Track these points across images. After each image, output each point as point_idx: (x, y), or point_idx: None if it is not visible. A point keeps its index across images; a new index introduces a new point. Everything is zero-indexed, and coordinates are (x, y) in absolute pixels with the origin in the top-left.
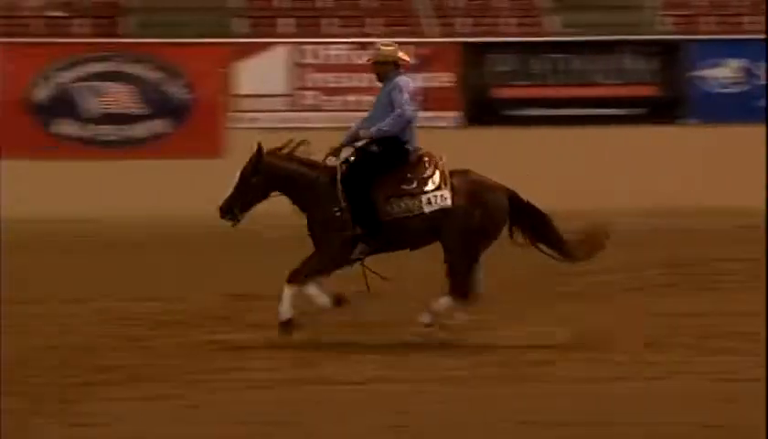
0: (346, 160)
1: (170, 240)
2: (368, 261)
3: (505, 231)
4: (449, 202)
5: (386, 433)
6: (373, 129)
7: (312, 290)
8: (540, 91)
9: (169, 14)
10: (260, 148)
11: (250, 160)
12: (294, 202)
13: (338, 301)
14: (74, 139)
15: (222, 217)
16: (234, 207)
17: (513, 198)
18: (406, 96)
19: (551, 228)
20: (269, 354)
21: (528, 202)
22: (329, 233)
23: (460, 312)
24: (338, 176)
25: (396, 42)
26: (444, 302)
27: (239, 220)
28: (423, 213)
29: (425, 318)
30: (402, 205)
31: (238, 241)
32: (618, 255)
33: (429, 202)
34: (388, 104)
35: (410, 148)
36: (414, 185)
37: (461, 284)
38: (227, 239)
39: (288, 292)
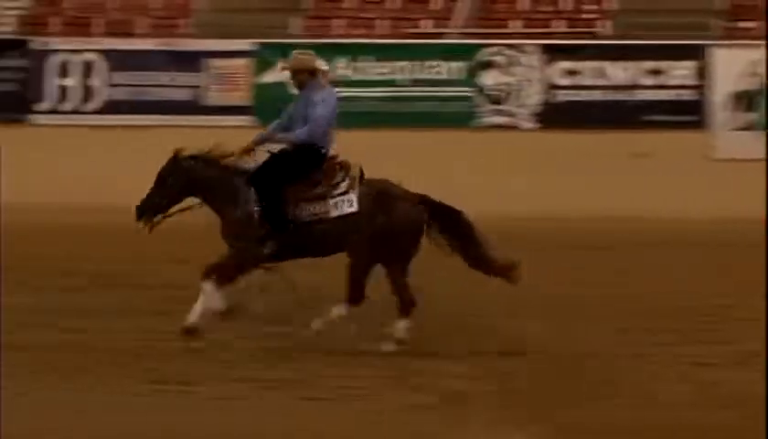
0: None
1: None
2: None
3: None
4: (354, 208)
5: None
6: (290, 137)
7: (209, 287)
8: None
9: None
10: (174, 153)
11: (167, 163)
12: (209, 205)
13: (228, 312)
14: None
15: (137, 219)
16: (149, 209)
17: (426, 202)
18: (321, 109)
19: (468, 229)
20: None
21: (441, 203)
22: (241, 232)
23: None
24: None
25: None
26: (338, 310)
27: (154, 223)
28: (330, 218)
29: (315, 324)
30: (311, 209)
31: None
32: None
33: (336, 207)
34: (304, 113)
35: (325, 153)
36: (323, 189)
37: (354, 290)
38: None
39: (206, 289)
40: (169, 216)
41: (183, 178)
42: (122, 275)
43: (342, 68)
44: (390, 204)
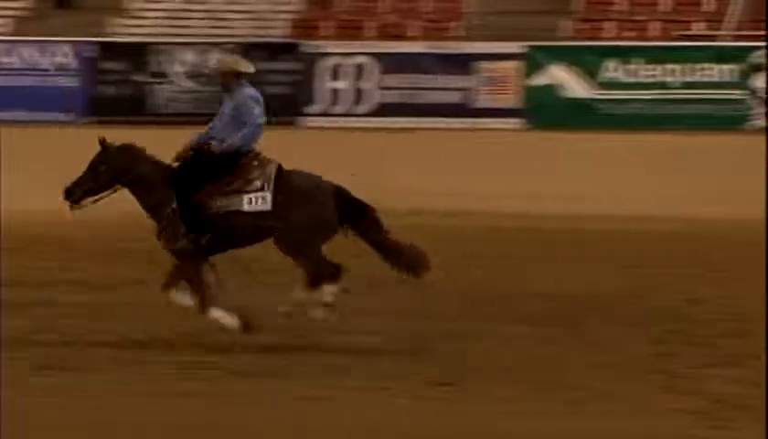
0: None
1: None
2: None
3: None
4: (268, 206)
5: None
6: (226, 143)
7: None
8: None
9: None
10: (102, 142)
11: (98, 153)
12: (136, 198)
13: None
14: None
15: (66, 198)
16: (77, 190)
17: (338, 193)
18: (257, 110)
19: (376, 223)
20: None
21: (352, 197)
22: (168, 231)
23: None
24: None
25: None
26: (328, 289)
27: (80, 205)
28: (243, 211)
29: (316, 314)
30: (224, 201)
31: None
32: None
33: (249, 202)
34: (233, 116)
35: (244, 151)
36: (236, 185)
37: (324, 269)
38: None
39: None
40: (96, 201)
41: (108, 169)
42: None
43: (612, 70)
44: (304, 196)
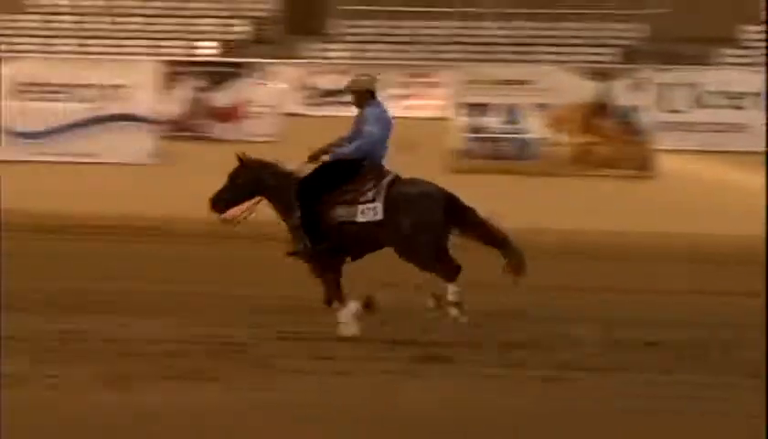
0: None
1: None
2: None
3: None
4: (379, 216)
5: None
6: (338, 152)
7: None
8: None
9: None
10: (239, 157)
11: (236, 167)
12: (273, 207)
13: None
14: None
15: (211, 209)
16: (220, 202)
17: (448, 199)
18: (375, 127)
19: (488, 230)
20: None
21: (460, 202)
22: (295, 240)
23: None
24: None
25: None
26: (451, 289)
27: (222, 213)
28: (357, 222)
29: (451, 311)
30: (341, 212)
31: None
32: None
33: (362, 213)
34: (355, 131)
35: (366, 164)
36: (350, 196)
37: (446, 265)
38: None
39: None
40: (246, 211)
41: (245, 181)
42: None
43: None
44: (415, 206)
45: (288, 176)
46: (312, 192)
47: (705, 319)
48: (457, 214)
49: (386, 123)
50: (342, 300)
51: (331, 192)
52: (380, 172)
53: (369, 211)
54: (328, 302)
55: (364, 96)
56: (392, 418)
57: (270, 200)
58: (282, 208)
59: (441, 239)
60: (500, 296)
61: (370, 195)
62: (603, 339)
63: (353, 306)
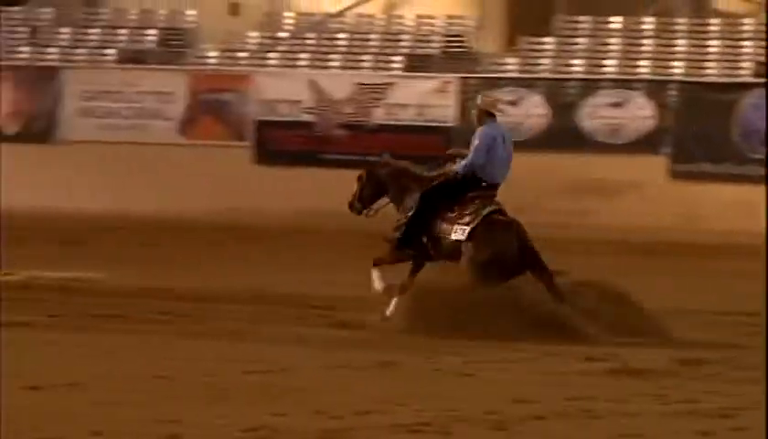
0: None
1: None
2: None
3: None
4: (464, 237)
5: None
6: (456, 166)
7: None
8: None
9: None
10: (365, 161)
11: (364, 171)
12: (394, 204)
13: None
14: None
15: (351, 211)
16: (356, 204)
17: (522, 250)
18: (477, 143)
19: (545, 272)
20: None
21: (532, 246)
22: (395, 230)
23: None
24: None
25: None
26: None
27: (360, 213)
28: (449, 239)
29: None
30: (443, 226)
31: None
32: None
33: (455, 232)
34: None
35: (485, 185)
36: (455, 214)
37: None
38: None
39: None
40: (374, 210)
41: (373, 183)
42: None
43: None
44: (496, 237)
45: (415, 179)
46: (431, 202)
47: None
48: (529, 259)
49: (492, 140)
50: (384, 262)
51: (447, 205)
52: (487, 197)
53: (460, 231)
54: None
55: (483, 115)
56: None
57: (392, 200)
58: (401, 206)
59: (509, 276)
60: None
61: (468, 219)
62: None
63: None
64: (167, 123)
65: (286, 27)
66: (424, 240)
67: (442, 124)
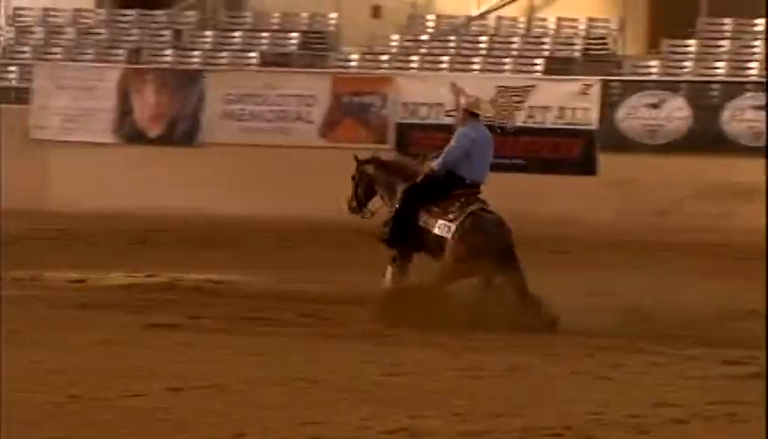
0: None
1: None
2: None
3: None
4: (448, 235)
5: None
6: (432, 163)
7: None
8: None
9: None
10: (356, 159)
11: (355, 169)
12: (384, 201)
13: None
14: None
15: (350, 211)
16: (352, 203)
17: (504, 250)
18: (454, 141)
19: (515, 277)
20: None
21: (511, 249)
22: (383, 225)
23: None
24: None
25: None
26: None
27: (360, 213)
28: (433, 233)
29: None
30: (425, 218)
31: None
32: None
33: (439, 227)
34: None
35: (466, 183)
36: (438, 210)
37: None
38: None
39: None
40: (370, 212)
41: (363, 180)
42: None
43: None
44: (477, 236)
45: (400, 174)
46: (415, 197)
47: None
48: (507, 264)
49: (469, 141)
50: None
51: (431, 201)
52: (471, 195)
53: (444, 227)
54: (394, 259)
55: (466, 115)
56: None
57: (382, 197)
58: (389, 201)
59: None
60: None
61: (452, 216)
62: None
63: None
64: (309, 125)
65: (428, 30)
66: (411, 234)
67: (583, 127)
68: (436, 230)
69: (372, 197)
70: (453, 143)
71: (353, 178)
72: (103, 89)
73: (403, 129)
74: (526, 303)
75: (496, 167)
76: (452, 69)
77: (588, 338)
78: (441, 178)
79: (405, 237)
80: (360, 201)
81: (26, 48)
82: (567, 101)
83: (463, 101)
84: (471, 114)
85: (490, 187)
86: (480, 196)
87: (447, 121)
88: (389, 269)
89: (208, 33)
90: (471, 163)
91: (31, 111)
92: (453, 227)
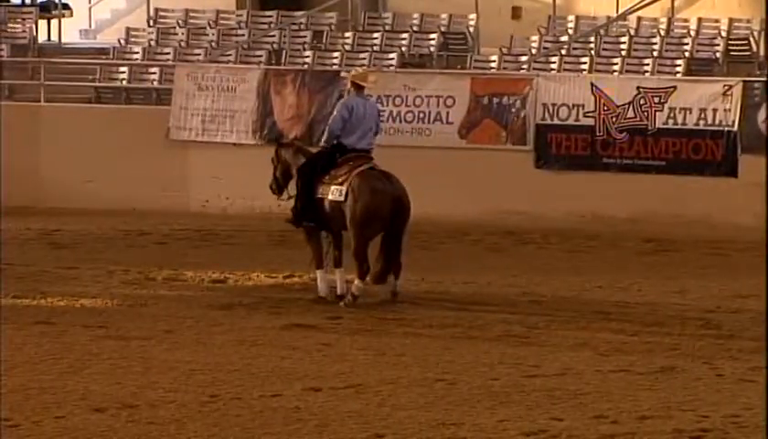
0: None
1: None
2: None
3: None
4: (342, 198)
5: None
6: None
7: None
8: None
9: None
10: (276, 142)
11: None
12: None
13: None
14: None
15: (272, 193)
16: (273, 186)
17: (396, 200)
18: (336, 115)
19: (395, 243)
20: None
21: (402, 210)
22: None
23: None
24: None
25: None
26: (356, 284)
27: (278, 195)
28: (328, 199)
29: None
30: (321, 189)
31: None
32: None
33: (332, 193)
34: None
35: (350, 149)
36: (328, 178)
37: (358, 266)
38: None
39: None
40: (288, 195)
41: (281, 164)
42: None
43: None
44: (368, 195)
45: (299, 155)
46: (308, 173)
47: None
48: (395, 220)
49: (346, 111)
50: (318, 266)
51: (323, 174)
52: (358, 158)
53: (337, 192)
54: (317, 265)
55: (353, 86)
56: None
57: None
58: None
59: (377, 234)
60: None
61: (341, 179)
62: None
63: (322, 274)
64: (448, 126)
65: (568, 31)
66: (313, 208)
67: (724, 129)
68: (330, 196)
69: (290, 180)
70: (334, 113)
71: (272, 161)
72: (243, 90)
73: (543, 130)
74: (388, 257)
75: (636, 169)
76: (591, 70)
77: (728, 341)
78: (329, 151)
79: (309, 214)
80: (279, 184)
81: (167, 49)
82: (708, 103)
83: (351, 72)
84: (357, 86)
85: (631, 189)
86: (370, 159)
87: (587, 122)
88: (318, 274)
89: (348, 34)
90: (354, 132)
91: (171, 112)
92: (344, 189)
